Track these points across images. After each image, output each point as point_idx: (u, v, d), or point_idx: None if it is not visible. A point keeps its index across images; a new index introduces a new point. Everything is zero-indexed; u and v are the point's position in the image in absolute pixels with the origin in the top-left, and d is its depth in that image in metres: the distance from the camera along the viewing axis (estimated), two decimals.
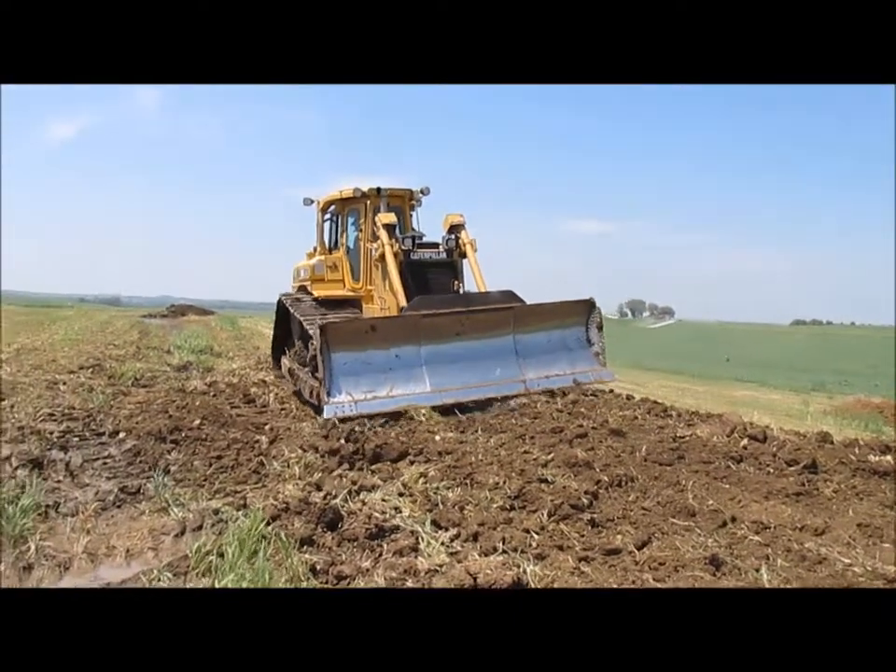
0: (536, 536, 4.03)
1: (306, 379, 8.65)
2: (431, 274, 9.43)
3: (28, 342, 15.88)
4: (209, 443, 6.25)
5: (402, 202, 10.79)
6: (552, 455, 5.61)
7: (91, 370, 11.02)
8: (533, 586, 3.37)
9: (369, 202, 10.33)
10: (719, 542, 3.99)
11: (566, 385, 8.67)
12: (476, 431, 6.68)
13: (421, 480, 5.04)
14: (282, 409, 8.33)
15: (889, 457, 5.74)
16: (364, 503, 4.59)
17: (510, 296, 8.88)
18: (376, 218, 9.59)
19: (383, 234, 9.25)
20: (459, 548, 3.90)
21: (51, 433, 6.55)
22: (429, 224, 10.92)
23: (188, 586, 3.48)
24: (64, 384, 9.49)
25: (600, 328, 9.27)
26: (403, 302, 8.63)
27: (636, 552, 3.82)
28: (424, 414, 7.31)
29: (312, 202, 11.39)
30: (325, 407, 7.40)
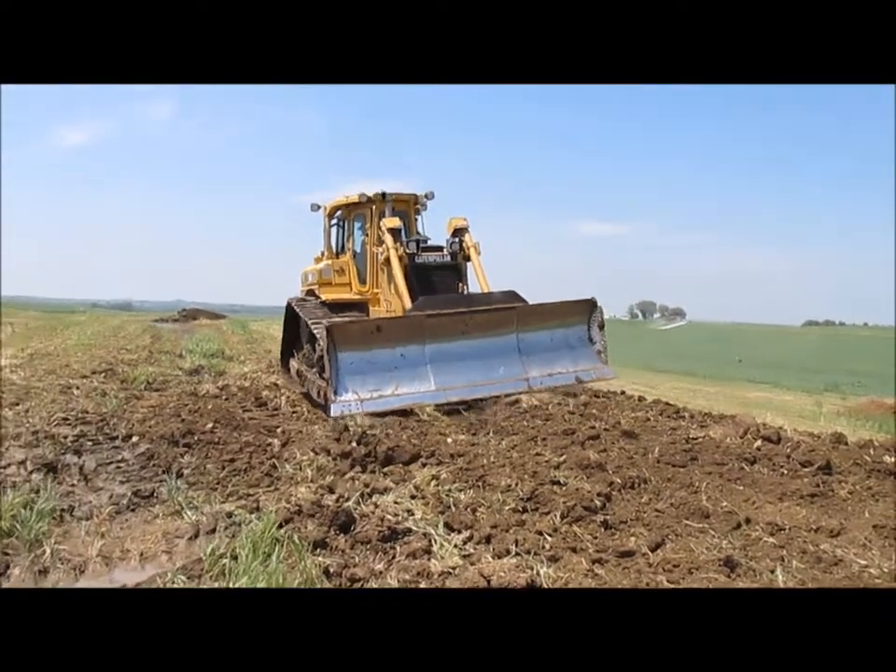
0: (549, 538, 4.02)
1: (314, 379, 8.74)
2: (436, 277, 9.62)
3: (41, 346, 15.99)
4: (222, 447, 6.27)
5: (407, 206, 10.97)
6: (564, 456, 5.60)
7: (103, 374, 11.08)
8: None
9: (374, 207, 10.49)
10: (733, 544, 3.97)
11: (568, 383, 8.83)
12: (488, 433, 6.67)
13: (433, 482, 5.03)
14: (293, 412, 8.34)
15: None
16: (376, 506, 4.59)
17: (512, 296, 9.03)
18: (381, 223, 9.78)
19: (388, 238, 9.44)
20: (472, 550, 3.89)
21: (65, 437, 6.58)
22: (435, 227, 11.01)
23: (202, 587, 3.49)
24: (78, 388, 9.54)
25: (601, 326, 9.41)
26: (408, 304, 8.78)
27: (649, 553, 3.80)
28: (429, 415, 7.36)
29: (319, 207, 11.55)
30: (331, 406, 7.56)
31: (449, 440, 6.31)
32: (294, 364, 10.64)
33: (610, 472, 5.18)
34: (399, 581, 3.48)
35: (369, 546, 3.98)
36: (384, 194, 10.44)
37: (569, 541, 3.99)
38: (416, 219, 11.09)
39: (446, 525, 4.25)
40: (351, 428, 6.68)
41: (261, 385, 10.40)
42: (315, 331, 8.89)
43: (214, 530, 4.27)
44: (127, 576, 3.74)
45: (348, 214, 11.28)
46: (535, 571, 3.49)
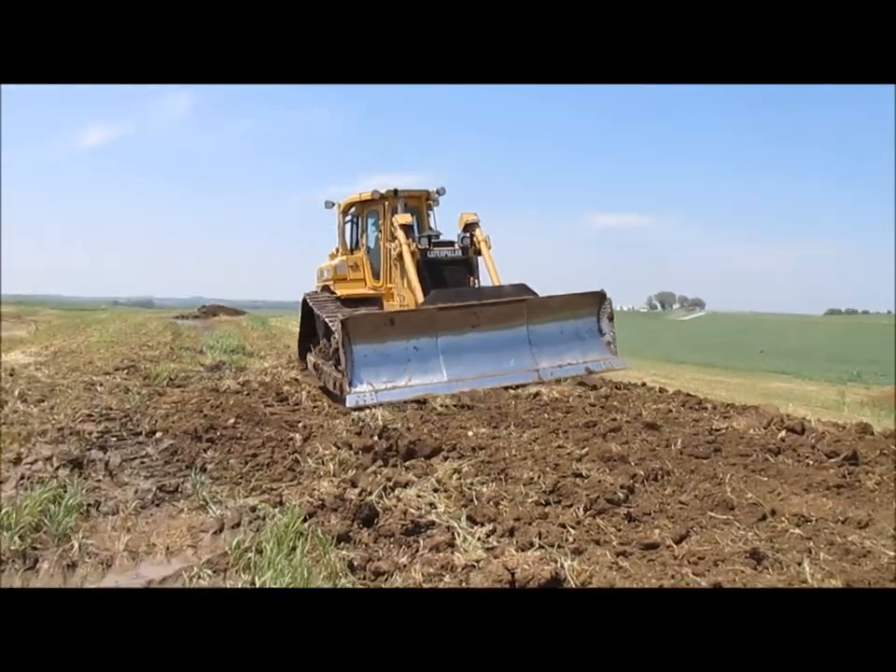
0: (572, 530, 4.00)
1: (330, 372, 8.93)
2: (447, 271, 9.84)
3: (65, 344, 16.19)
4: (244, 442, 6.32)
5: (419, 202, 11.14)
6: (586, 449, 5.57)
7: (126, 371, 11.21)
8: (571, 581, 3.34)
9: (387, 203, 10.65)
10: (759, 536, 3.92)
11: (578, 374, 8.96)
12: (509, 426, 6.65)
13: (455, 475, 5.03)
14: (314, 406, 8.38)
15: None
16: (399, 499, 4.60)
17: (522, 289, 9.26)
18: (394, 219, 9.99)
19: (400, 234, 9.64)
20: (496, 543, 3.89)
21: (90, 433, 6.66)
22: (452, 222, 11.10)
23: (228, 584, 3.51)
24: (101, 385, 9.65)
25: (611, 318, 9.61)
26: (421, 299, 8.99)
27: (674, 546, 3.77)
28: (448, 408, 7.44)
29: (333, 204, 11.70)
30: (347, 397, 7.80)
31: (470, 433, 6.30)
32: (311, 358, 10.78)
33: (633, 464, 5.14)
34: (423, 574, 3.49)
35: (392, 540, 3.99)
36: (396, 191, 10.62)
37: (593, 534, 3.98)
38: (428, 215, 11.25)
39: (469, 518, 4.25)
40: (372, 423, 6.70)
41: (282, 381, 10.46)
42: (330, 325, 9.08)
43: (238, 524, 4.31)
44: (153, 570, 3.78)
45: (362, 210, 11.46)
46: (559, 564, 3.48)
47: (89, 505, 4.64)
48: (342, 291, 10.97)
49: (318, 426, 7.00)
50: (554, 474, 4.90)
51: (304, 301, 11.29)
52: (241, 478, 5.32)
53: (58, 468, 5.45)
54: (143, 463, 5.89)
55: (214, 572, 3.63)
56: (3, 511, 4.23)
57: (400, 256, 9.64)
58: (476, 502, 4.50)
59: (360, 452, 5.76)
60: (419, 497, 4.66)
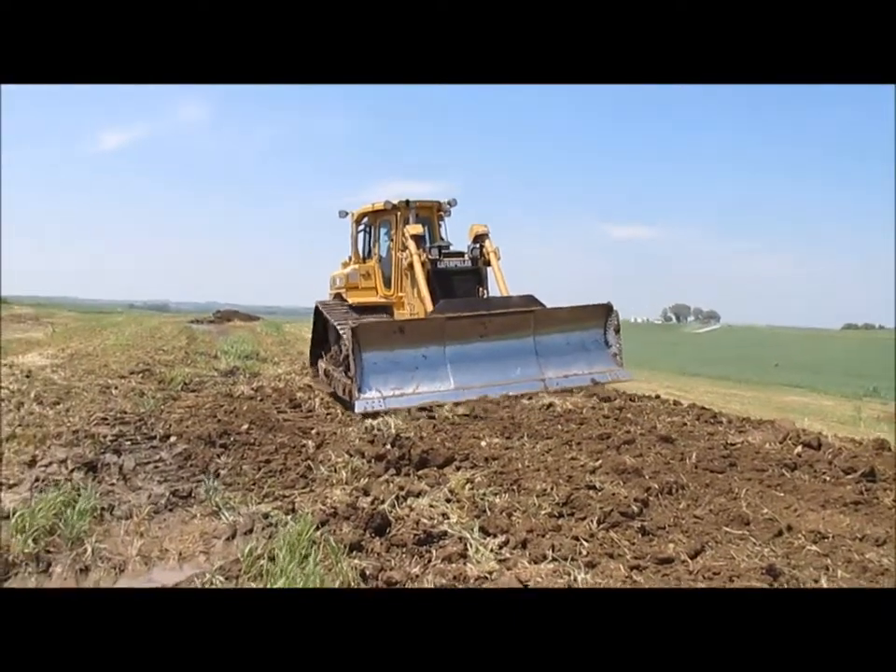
0: (585, 543, 3.97)
1: (340, 378, 9.09)
2: (457, 281, 10.00)
3: (81, 347, 16.30)
4: (257, 447, 6.33)
5: (431, 213, 11.29)
6: (599, 461, 5.54)
7: (141, 374, 11.28)
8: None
9: (399, 213, 10.81)
10: (775, 552, 3.88)
11: (584, 384, 9.13)
12: (522, 437, 6.62)
13: (468, 486, 5.01)
14: (327, 413, 8.40)
15: None
16: (412, 509, 4.59)
17: (530, 300, 9.42)
18: (405, 230, 10.12)
19: (411, 245, 9.79)
20: (508, 555, 3.87)
21: (105, 437, 6.70)
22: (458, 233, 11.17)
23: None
24: (116, 388, 9.72)
25: (617, 330, 9.77)
26: (430, 308, 9.14)
27: (689, 561, 3.73)
28: (460, 417, 7.46)
29: (346, 214, 11.85)
30: (356, 402, 7.95)
31: (483, 443, 6.28)
32: (322, 364, 10.91)
33: (647, 477, 5.10)
34: (435, 584, 3.47)
35: (404, 549, 3.98)
36: (408, 202, 10.79)
37: (606, 547, 3.94)
38: (440, 225, 11.39)
39: (482, 529, 4.23)
40: (385, 431, 6.70)
41: (295, 387, 10.50)
42: (340, 332, 9.25)
43: (251, 531, 4.31)
44: (166, 575, 3.78)
45: (374, 220, 11.61)
46: (572, 577, 3.46)
47: (102, 509, 4.66)
48: (353, 299, 11.07)
49: (331, 433, 7.01)
50: (568, 486, 4.87)
51: (316, 309, 11.39)
52: (254, 484, 5.32)
53: (72, 470, 5.47)
54: (156, 467, 5.91)
55: (226, 579, 3.62)
56: (17, 513, 4.25)
57: (411, 265, 9.79)
58: (489, 513, 4.48)
59: (373, 460, 5.76)
60: (432, 506, 4.65)
